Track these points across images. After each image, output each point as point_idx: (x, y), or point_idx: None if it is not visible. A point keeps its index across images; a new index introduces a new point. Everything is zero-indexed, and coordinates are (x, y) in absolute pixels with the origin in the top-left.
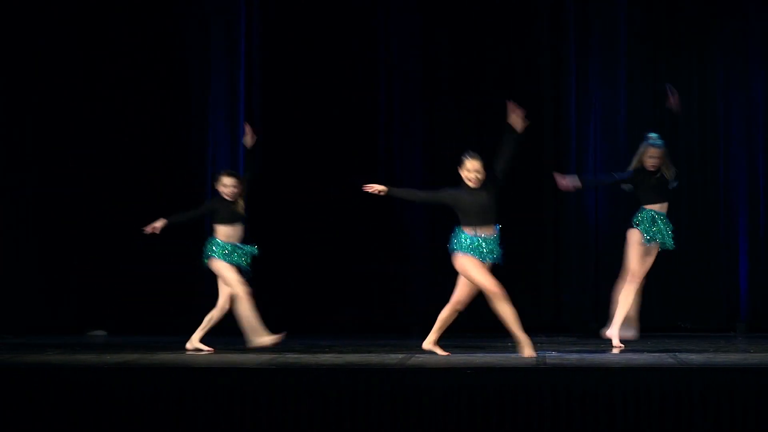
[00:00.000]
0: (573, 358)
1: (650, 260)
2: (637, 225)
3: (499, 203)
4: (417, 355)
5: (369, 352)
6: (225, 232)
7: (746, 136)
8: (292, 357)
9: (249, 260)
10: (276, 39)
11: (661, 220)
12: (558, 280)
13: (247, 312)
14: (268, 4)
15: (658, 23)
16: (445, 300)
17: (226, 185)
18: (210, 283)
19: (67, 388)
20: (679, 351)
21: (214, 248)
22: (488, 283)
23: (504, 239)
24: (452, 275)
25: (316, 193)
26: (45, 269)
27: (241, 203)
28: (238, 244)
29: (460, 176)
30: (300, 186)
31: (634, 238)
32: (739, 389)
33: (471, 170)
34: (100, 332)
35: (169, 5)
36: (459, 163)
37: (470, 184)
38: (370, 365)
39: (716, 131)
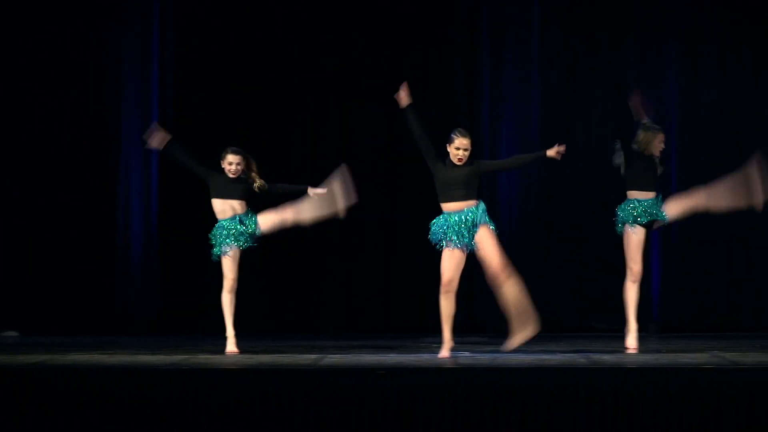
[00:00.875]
0: (485, 358)
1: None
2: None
3: (478, 183)
4: (330, 356)
5: (281, 352)
6: (218, 207)
7: None
8: (203, 357)
9: (245, 235)
10: (189, 36)
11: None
12: (471, 279)
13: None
14: (182, 3)
15: (572, 22)
16: (359, 301)
17: (231, 163)
18: (127, 280)
19: None
20: (592, 351)
21: (213, 242)
22: (444, 277)
23: (417, 239)
24: (365, 276)
25: None
26: None
27: (256, 181)
28: (230, 220)
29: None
30: None
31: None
32: (650, 389)
33: (460, 147)
34: (13, 333)
35: (83, 6)
36: (448, 140)
37: (456, 161)
38: (282, 366)
39: (629, 132)
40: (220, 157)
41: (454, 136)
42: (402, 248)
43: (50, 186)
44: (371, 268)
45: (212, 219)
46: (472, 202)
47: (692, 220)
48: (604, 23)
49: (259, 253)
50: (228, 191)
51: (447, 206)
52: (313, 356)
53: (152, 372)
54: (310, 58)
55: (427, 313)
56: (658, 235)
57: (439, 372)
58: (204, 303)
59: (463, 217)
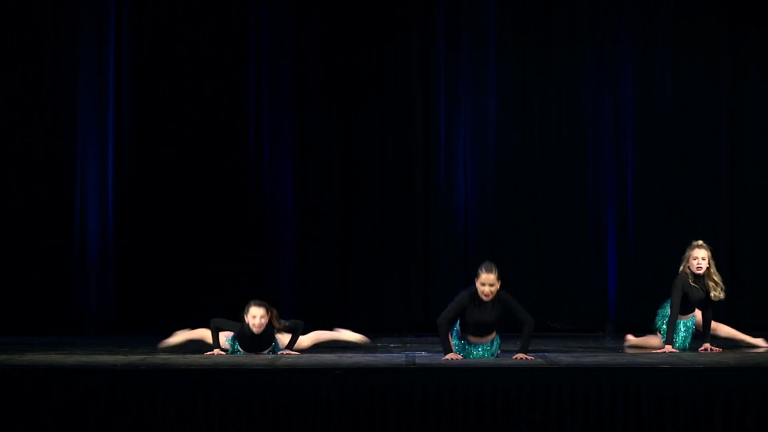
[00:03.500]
0: (442, 358)
1: None
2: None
3: (501, 319)
4: (286, 356)
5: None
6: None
7: (615, 137)
8: (160, 358)
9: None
10: (145, 42)
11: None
12: (428, 280)
13: None
14: (138, 10)
15: (528, 24)
16: (313, 300)
17: (255, 316)
18: (82, 280)
19: None
20: (549, 351)
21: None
22: None
23: (375, 240)
24: (322, 276)
25: (186, 200)
26: None
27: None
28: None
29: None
30: (171, 192)
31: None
32: (607, 389)
33: (485, 284)
34: None
35: (36, 19)
36: (475, 274)
37: (483, 297)
38: (239, 366)
39: (585, 133)
40: (244, 310)
41: (480, 272)
42: (359, 248)
43: (4, 186)
44: (328, 268)
45: (170, 221)
46: (493, 335)
47: (646, 221)
48: (559, 24)
49: (213, 254)
50: (253, 348)
51: (471, 337)
52: (269, 356)
53: (110, 372)
54: (266, 54)
55: (383, 313)
56: (614, 233)
57: (396, 372)
58: (160, 304)
59: (483, 352)
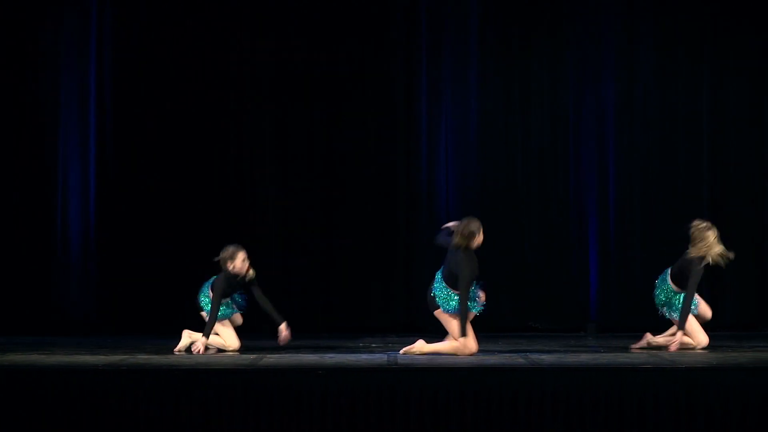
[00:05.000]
0: (424, 358)
1: None
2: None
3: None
4: (269, 356)
5: (220, 352)
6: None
7: (597, 138)
8: (142, 357)
9: (239, 305)
10: (126, 42)
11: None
12: (410, 280)
13: None
14: (120, 11)
15: (510, 22)
16: (299, 301)
17: (244, 259)
18: (64, 280)
19: None
20: (531, 351)
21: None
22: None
23: (357, 239)
24: (304, 275)
25: (168, 199)
26: None
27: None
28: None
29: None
30: (153, 192)
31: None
32: (589, 388)
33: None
34: None
35: (18, 18)
36: (470, 235)
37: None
38: (221, 366)
39: (567, 132)
40: (229, 257)
41: (477, 234)
42: (342, 249)
43: None
44: (311, 269)
45: (151, 220)
46: None
47: (628, 223)
48: (541, 24)
49: (198, 254)
50: (232, 291)
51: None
52: (252, 356)
53: (92, 372)
54: (247, 51)
55: (366, 313)
56: (595, 232)
57: (378, 372)
58: (141, 304)
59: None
